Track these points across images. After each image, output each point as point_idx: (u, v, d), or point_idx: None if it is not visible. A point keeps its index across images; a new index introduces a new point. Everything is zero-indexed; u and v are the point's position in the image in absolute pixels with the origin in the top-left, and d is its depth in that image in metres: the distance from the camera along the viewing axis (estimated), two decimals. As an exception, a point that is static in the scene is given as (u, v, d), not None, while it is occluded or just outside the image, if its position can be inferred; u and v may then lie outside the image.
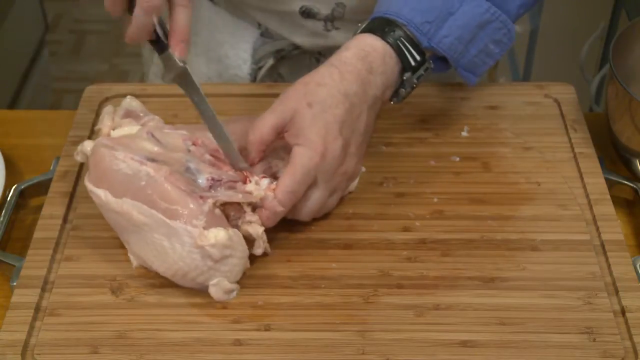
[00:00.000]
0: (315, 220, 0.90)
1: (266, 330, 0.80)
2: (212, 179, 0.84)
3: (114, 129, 0.90)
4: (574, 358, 0.78)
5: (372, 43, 0.90)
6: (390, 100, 0.92)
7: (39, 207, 0.92)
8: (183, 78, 0.86)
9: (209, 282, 0.82)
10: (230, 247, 0.80)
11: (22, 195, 0.95)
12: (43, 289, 0.84)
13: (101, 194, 0.83)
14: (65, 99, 2.67)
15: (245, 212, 0.84)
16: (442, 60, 0.94)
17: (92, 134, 1.00)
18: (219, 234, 0.79)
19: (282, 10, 1.07)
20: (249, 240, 0.84)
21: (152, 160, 0.84)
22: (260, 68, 1.13)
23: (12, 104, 2.49)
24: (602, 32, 1.68)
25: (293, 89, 0.88)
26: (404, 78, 0.91)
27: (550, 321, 0.81)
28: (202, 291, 0.83)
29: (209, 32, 1.14)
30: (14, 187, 0.95)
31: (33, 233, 0.89)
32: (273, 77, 1.14)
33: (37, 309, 0.82)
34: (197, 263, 0.80)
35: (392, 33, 0.89)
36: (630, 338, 0.79)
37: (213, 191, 0.83)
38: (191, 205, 0.80)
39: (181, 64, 0.85)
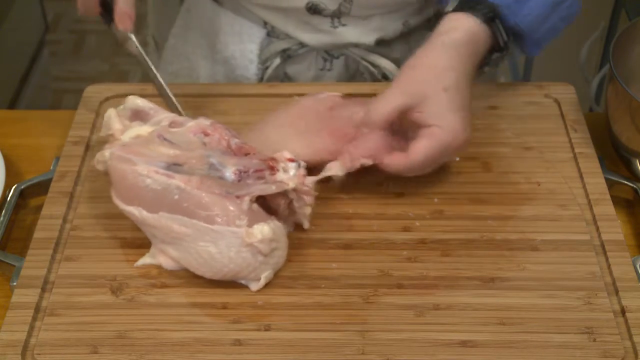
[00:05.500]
0: (315, 220, 0.90)
1: (266, 330, 0.80)
2: (239, 172, 0.84)
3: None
4: (574, 358, 0.78)
5: (475, 26, 0.92)
6: None
7: (39, 207, 0.92)
8: (131, 47, 0.94)
9: (260, 276, 0.82)
10: (275, 239, 0.82)
11: (22, 195, 0.95)
12: (43, 289, 0.84)
13: (135, 212, 0.83)
14: (65, 99, 2.67)
15: (291, 199, 0.86)
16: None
17: (92, 134, 1.00)
18: (264, 229, 0.80)
19: (288, 7, 1.07)
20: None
21: (175, 165, 0.83)
22: (267, 68, 1.13)
23: (12, 104, 2.49)
24: (602, 32, 1.68)
25: (419, 73, 0.90)
26: (492, 57, 0.95)
27: (550, 321, 0.81)
28: (202, 291, 0.83)
29: (215, 34, 1.14)
30: (14, 187, 0.95)
31: (33, 233, 0.89)
32: (280, 77, 1.14)
33: (37, 309, 0.82)
34: (249, 261, 0.81)
35: (489, 14, 0.92)
36: (630, 338, 0.79)
37: (243, 184, 0.83)
38: (231, 207, 0.81)
39: (128, 34, 0.93)
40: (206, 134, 0.87)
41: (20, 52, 2.66)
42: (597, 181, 0.94)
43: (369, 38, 1.09)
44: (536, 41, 0.98)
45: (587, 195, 0.93)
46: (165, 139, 0.86)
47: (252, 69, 1.13)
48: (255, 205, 0.82)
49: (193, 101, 1.04)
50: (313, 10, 1.06)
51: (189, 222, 0.81)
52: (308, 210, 0.88)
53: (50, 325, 0.81)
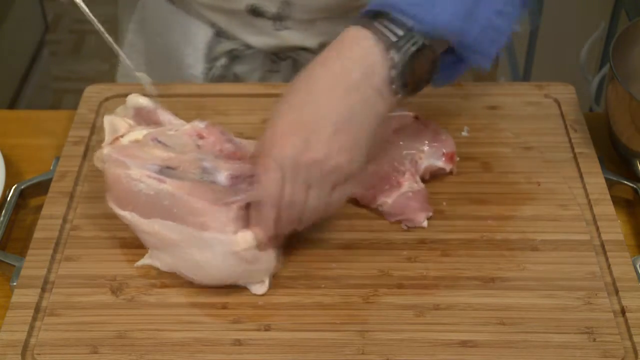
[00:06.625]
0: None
1: (266, 330, 0.80)
2: (232, 177, 0.83)
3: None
4: (574, 358, 0.78)
5: (346, 32, 0.83)
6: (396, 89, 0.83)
7: (39, 207, 0.92)
8: None
9: (253, 281, 0.83)
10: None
11: (22, 195, 0.95)
12: (43, 289, 0.84)
13: (129, 217, 0.83)
14: (65, 99, 2.67)
15: None
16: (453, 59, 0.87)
17: (92, 134, 1.00)
18: (246, 236, 0.80)
19: (230, 9, 1.07)
20: None
21: (168, 168, 0.83)
22: (214, 67, 1.13)
23: (12, 104, 2.49)
24: (602, 32, 1.68)
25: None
26: (392, 57, 0.82)
27: (550, 321, 0.81)
28: (202, 291, 0.83)
29: (167, 33, 1.14)
30: (14, 187, 0.95)
31: (33, 233, 0.89)
32: (228, 76, 1.13)
33: (37, 309, 0.82)
34: (235, 268, 0.81)
35: (375, 22, 0.82)
36: (630, 338, 0.79)
37: (235, 189, 0.82)
38: (219, 214, 0.80)
39: None
40: (201, 137, 0.87)
41: (20, 52, 2.66)
42: (597, 181, 0.94)
43: (313, 42, 1.08)
44: (474, 47, 0.85)
45: (587, 195, 0.93)
46: (159, 142, 0.86)
47: (199, 68, 1.12)
48: (245, 212, 0.82)
49: (192, 101, 1.04)
50: (254, 12, 1.05)
51: (178, 228, 0.81)
52: None
53: (50, 325, 0.81)
